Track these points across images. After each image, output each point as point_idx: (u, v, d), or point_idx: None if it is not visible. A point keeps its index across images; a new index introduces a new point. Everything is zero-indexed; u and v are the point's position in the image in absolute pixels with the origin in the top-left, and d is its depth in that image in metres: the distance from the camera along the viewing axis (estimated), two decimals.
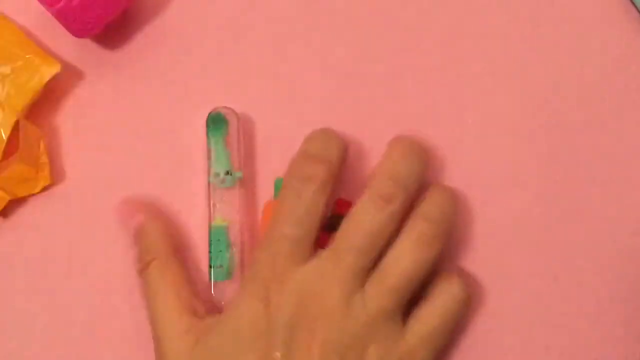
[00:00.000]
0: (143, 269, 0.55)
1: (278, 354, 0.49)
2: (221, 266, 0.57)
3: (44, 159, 0.59)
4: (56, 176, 0.60)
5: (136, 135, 0.61)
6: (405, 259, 0.52)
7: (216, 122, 0.58)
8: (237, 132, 0.59)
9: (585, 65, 0.63)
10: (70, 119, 0.61)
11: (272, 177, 0.59)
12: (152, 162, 0.60)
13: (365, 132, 0.61)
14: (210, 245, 0.57)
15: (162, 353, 0.53)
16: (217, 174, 0.57)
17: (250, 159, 0.61)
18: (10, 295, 0.59)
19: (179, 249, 0.58)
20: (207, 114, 0.58)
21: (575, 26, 0.63)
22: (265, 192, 0.60)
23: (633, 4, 0.63)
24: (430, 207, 0.54)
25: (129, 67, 0.62)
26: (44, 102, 0.61)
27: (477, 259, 0.60)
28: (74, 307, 0.58)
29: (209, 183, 0.58)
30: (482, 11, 0.63)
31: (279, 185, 0.56)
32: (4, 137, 0.56)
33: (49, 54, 0.60)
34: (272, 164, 0.60)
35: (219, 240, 0.57)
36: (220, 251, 0.57)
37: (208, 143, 0.58)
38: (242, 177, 0.58)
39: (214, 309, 0.56)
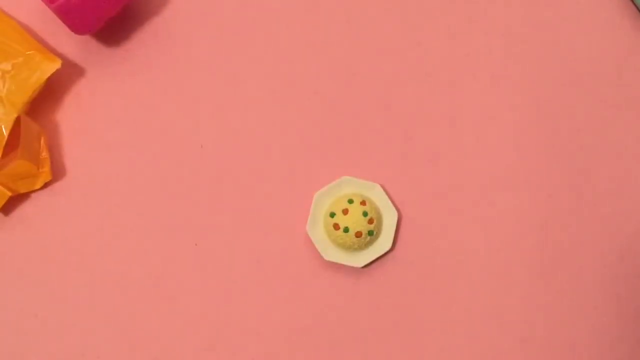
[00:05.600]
0: None
1: None
2: None
3: (45, 154, 0.59)
4: (57, 172, 0.60)
5: (136, 131, 0.61)
6: None
7: None
8: None
9: (585, 65, 0.63)
10: (70, 115, 0.61)
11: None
12: (152, 158, 0.61)
13: (364, 136, 0.61)
14: None
15: None
16: None
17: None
18: (10, 291, 0.59)
19: None
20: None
21: (576, 26, 0.63)
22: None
23: (633, 3, 0.63)
24: None
25: (129, 63, 0.62)
26: (45, 99, 0.61)
27: (477, 259, 0.60)
28: (74, 303, 0.59)
29: None
30: (482, 10, 0.63)
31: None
32: (5, 133, 0.56)
33: (49, 50, 0.60)
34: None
35: None
36: None
37: None
38: None
39: None
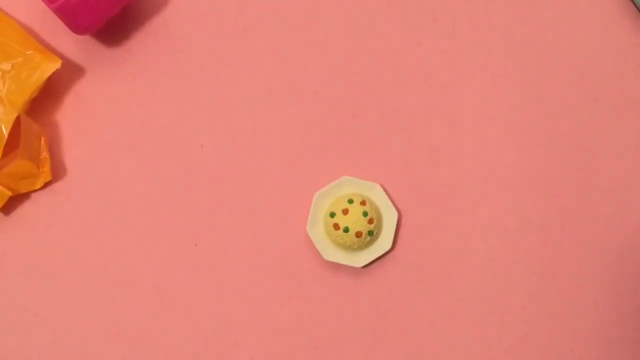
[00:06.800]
0: None
1: None
2: None
3: (45, 154, 0.59)
4: (57, 172, 0.60)
5: (136, 131, 0.61)
6: None
7: None
8: None
9: (585, 65, 0.63)
10: (70, 115, 0.61)
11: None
12: (152, 158, 0.61)
13: (364, 136, 0.61)
14: None
15: None
16: None
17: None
18: (10, 291, 0.59)
19: None
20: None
21: (576, 26, 0.63)
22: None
23: (633, 3, 0.63)
24: None
25: (129, 63, 0.62)
26: (45, 98, 0.61)
27: (477, 259, 0.60)
28: (74, 303, 0.59)
29: None
30: (482, 10, 0.63)
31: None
32: (5, 133, 0.56)
33: (49, 50, 0.60)
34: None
35: None
36: None
37: None
38: None
39: None
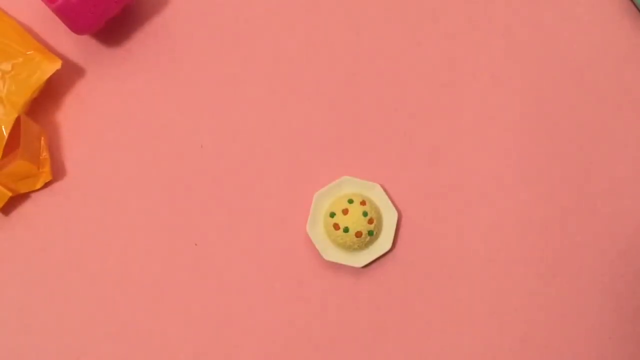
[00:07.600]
0: None
1: None
2: None
3: (45, 155, 0.59)
4: (57, 172, 0.60)
5: (136, 131, 0.61)
6: None
7: None
8: None
9: (585, 65, 0.63)
10: (70, 115, 0.61)
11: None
12: (152, 158, 0.61)
13: (364, 136, 0.61)
14: None
15: None
16: None
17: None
18: (10, 291, 0.59)
19: None
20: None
21: (576, 26, 0.63)
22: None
23: (633, 3, 0.64)
24: None
25: (130, 63, 0.62)
26: (45, 99, 0.61)
27: (477, 259, 0.60)
28: (74, 303, 0.59)
29: None
30: (482, 10, 0.63)
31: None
32: (5, 133, 0.56)
33: (49, 50, 0.60)
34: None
35: None
36: None
37: None
38: None
39: None
